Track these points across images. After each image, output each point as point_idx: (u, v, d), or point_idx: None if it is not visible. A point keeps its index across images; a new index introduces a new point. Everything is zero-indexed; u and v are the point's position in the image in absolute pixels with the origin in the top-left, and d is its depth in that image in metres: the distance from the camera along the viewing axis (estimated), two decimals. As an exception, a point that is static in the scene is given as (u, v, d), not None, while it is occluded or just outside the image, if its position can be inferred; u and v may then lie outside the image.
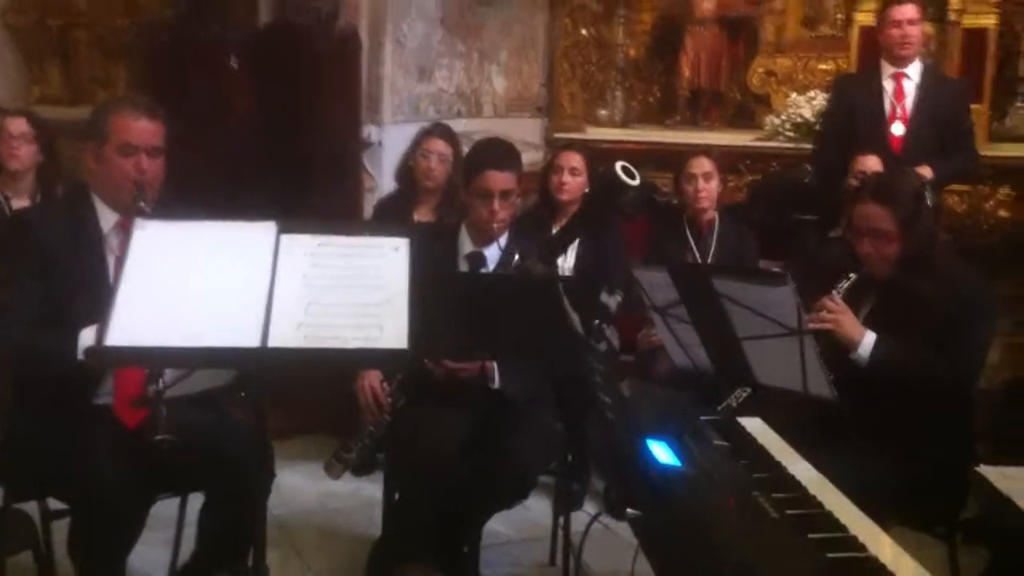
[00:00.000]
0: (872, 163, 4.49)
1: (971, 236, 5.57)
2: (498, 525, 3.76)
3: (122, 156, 2.94)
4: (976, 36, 5.62)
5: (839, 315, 2.98)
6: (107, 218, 3.00)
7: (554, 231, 4.37)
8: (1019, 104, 5.78)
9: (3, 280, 2.90)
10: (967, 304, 2.97)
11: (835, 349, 2.96)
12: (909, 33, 4.72)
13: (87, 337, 2.74)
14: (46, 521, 2.98)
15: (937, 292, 2.96)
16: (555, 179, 4.47)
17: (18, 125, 4.51)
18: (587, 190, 4.44)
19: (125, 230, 2.94)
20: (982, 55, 5.64)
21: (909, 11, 4.73)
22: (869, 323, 3.05)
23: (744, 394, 2.96)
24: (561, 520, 3.65)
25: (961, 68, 5.62)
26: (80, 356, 2.74)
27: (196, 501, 3.13)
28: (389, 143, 5.27)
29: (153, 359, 2.41)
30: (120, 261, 2.33)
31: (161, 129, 3.03)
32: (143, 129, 2.97)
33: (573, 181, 4.45)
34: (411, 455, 3.29)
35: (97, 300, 2.82)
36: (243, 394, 2.78)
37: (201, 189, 4.75)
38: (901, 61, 4.77)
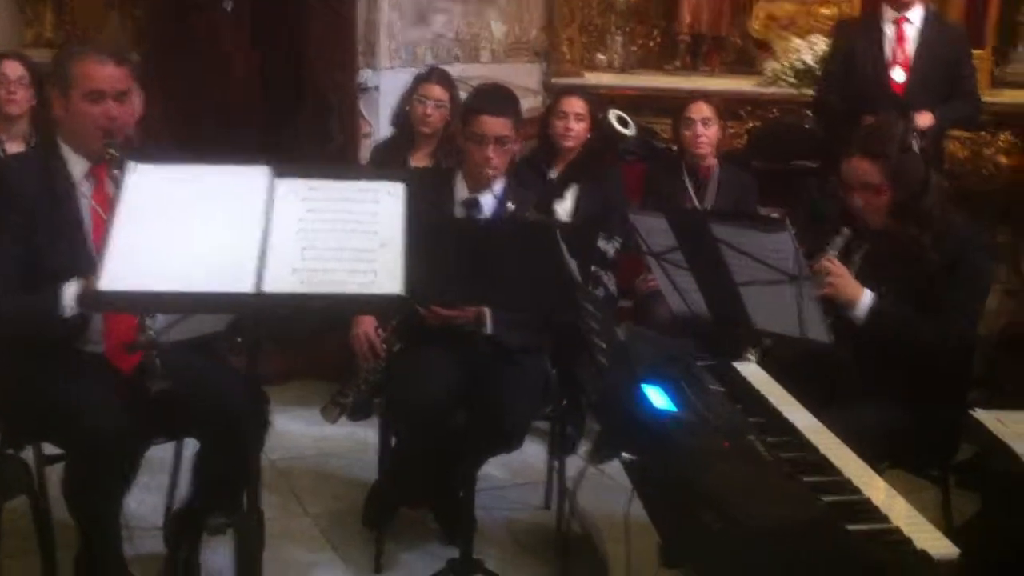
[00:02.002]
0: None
1: (972, 182, 5.55)
2: (493, 469, 3.78)
3: (90, 103, 2.87)
4: (979, -19, 5.57)
5: (838, 277, 2.98)
6: (77, 166, 2.94)
7: (551, 176, 4.35)
8: (1021, 50, 5.72)
9: None
10: (960, 253, 2.97)
11: (831, 305, 2.96)
12: None
13: (69, 293, 2.73)
14: (41, 466, 2.99)
15: (930, 240, 2.96)
16: (559, 125, 4.42)
17: (15, 68, 4.45)
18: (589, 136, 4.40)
19: (97, 177, 2.93)
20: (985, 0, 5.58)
21: None
22: (863, 271, 3.05)
23: (757, 352, 2.96)
24: (556, 464, 3.68)
25: (964, 13, 5.57)
26: (64, 313, 2.73)
27: (192, 446, 3.13)
28: (386, 88, 5.21)
29: (147, 304, 2.40)
30: (111, 206, 2.30)
31: (127, 72, 2.95)
32: (109, 74, 2.89)
33: (578, 127, 4.39)
34: (406, 401, 3.30)
35: (74, 250, 2.82)
36: (238, 339, 2.78)
37: (196, 134, 4.74)
38: (902, 6, 4.71)
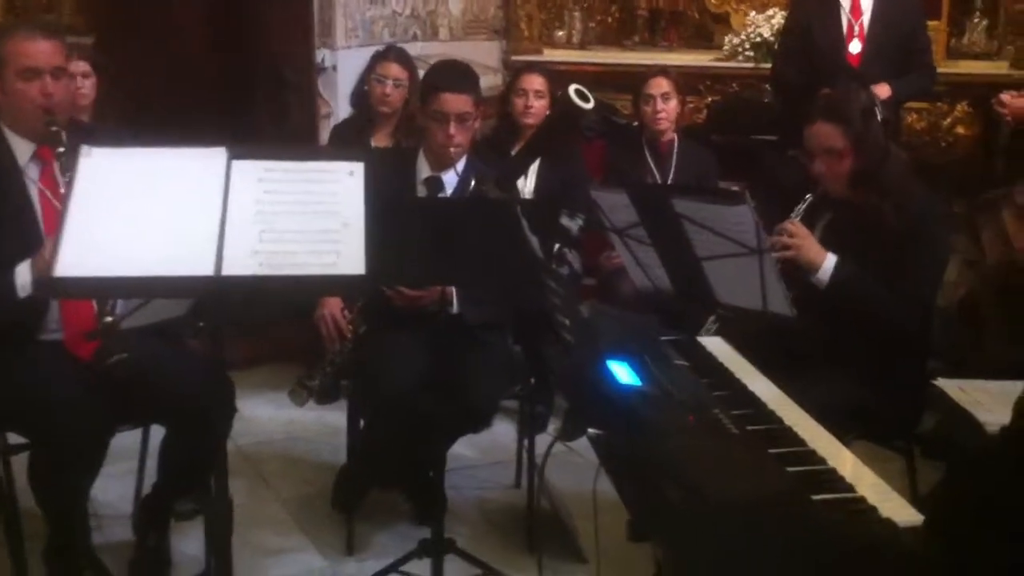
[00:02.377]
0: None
1: (929, 153, 5.61)
2: (463, 449, 3.78)
3: (25, 81, 2.82)
4: (934, -50, 5.60)
5: (800, 240, 2.99)
6: (22, 149, 2.89)
7: (513, 153, 4.33)
8: (976, 20, 5.77)
9: None
10: (920, 221, 2.99)
11: (794, 271, 2.97)
12: None
13: (23, 273, 2.69)
14: (6, 455, 2.96)
15: (891, 208, 2.98)
16: (519, 103, 4.41)
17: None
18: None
19: (44, 160, 2.88)
20: (940, -30, 5.62)
21: None
22: (825, 239, 3.07)
23: (715, 324, 2.97)
24: (525, 443, 3.69)
25: (919, -16, 5.60)
26: (19, 294, 2.69)
27: (158, 432, 3.11)
28: (343, 67, 5.17)
29: (105, 290, 2.38)
30: (65, 191, 2.27)
31: (61, 47, 2.90)
32: (41, 50, 2.83)
33: (538, 104, 4.39)
34: (373, 382, 3.29)
35: (25, 234, 2.78)
36: (200, 324, 2.76)
37: (146, 113, 4.68)
38: None
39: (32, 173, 2.89)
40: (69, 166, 2.39)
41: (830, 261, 2.98)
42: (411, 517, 3.52)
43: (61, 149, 2.77)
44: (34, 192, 2.87)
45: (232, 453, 2.97)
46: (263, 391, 4.43)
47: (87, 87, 4.53)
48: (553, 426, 4.22)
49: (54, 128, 2.80)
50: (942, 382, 2.62)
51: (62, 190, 2.74)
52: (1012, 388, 2.30)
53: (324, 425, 4.23)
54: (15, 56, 2.82)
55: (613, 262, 4.14)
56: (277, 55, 5.08)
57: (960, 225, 5.48)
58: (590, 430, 2.13)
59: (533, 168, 4.11)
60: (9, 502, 2.94)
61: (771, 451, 2.04)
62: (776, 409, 2.25)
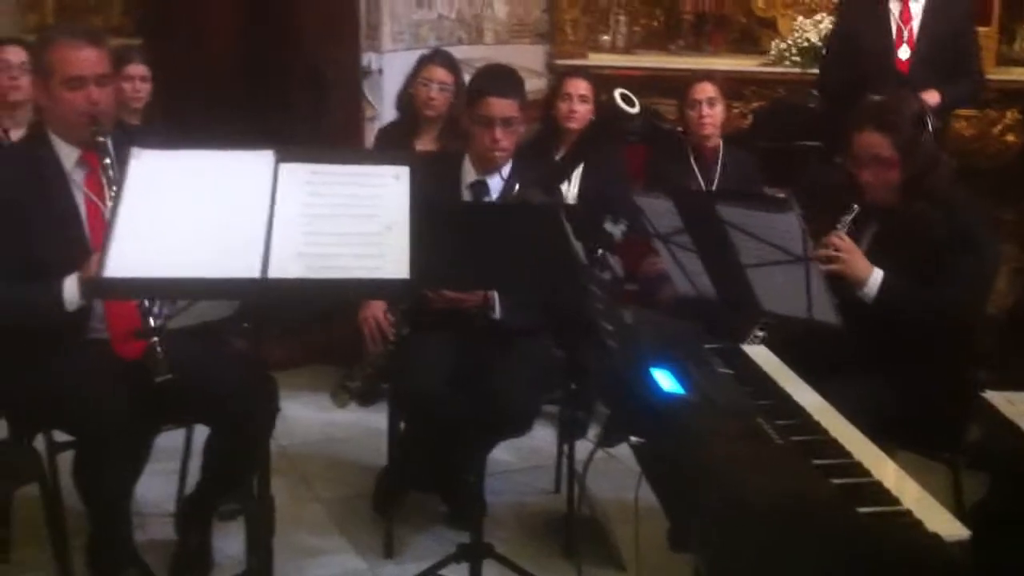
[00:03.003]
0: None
1: (978, 160, 5.53)
2: (503, 454, 3.79)
3: (70, 90, 2.83)
4: (985, -44, 5.53)
5: (847, 254, 2.96)
6: (68, 155, 2.91)
7: (557, 157, 4.33)
8: (1028, 26, 5.70)
9: None
10: (969, 230, 2.95)
11: (839, 280, 2.94)
12: None
13: (70, 288, 2.71)
14: (52, 454, 2.99)
15: (939, 217, 2.94)
16: (563, 107, 4.40)
17: (17, 54, 4.43)
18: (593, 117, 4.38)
19: (89, 165, 2.91)
20: (992, -24, 5.55)
21: None
22: (871, 249, 3.03)
23: (762, 333, 2.94)
24: (565, 448, 3.68)
25: (970, -10, 5.53)
26: (67, 308, 2.72)
27: (202, 432, 3.14)
28: (389, 71, 5.19)
29: (152, 291, 2.41)
30: (115, 193, 2.29)
31: (105, 54, 2.91)
32: (86, 58, 2.85)
33: (582, 108, 4.38)
34: (411, 386, 3.30)
35: (70, 239, 2.81)
36: (245, 325, 2.78)
37: (193, 117, 4.72)
38: None
39: (77, 178, 2.91)
40: (116, 174, 2.41)
41: (877, 276, 2.95)
42: (450, 521, 3.53)
43: (108, 160, 2.80)
44: (79, 197, 2.90)
45: (274, 454, 3.00)
46: (305, 392, 4.46)
47: (144, 91, 4.61)
48: (593, 432, 4.21)
49: (100, 138, 2.82)
50: (990, 394, 2.57)
51: (107, 195, 2.77)
52: (1062, 401, 2.28)
53: (365, 427, 4.24)
54: (60, 64, 2.84)
55: (655, 268, 4.12)
56: (321, 58, 5.11)
57: (1009, 233, 5.43)
58: (632, 437, 2.12)
59: (576, 172, 4.11)
60: (54, 499, 2.97)
61: (815, 462, 2.02)
62: (820, 420, 2.22)
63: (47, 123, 2.95)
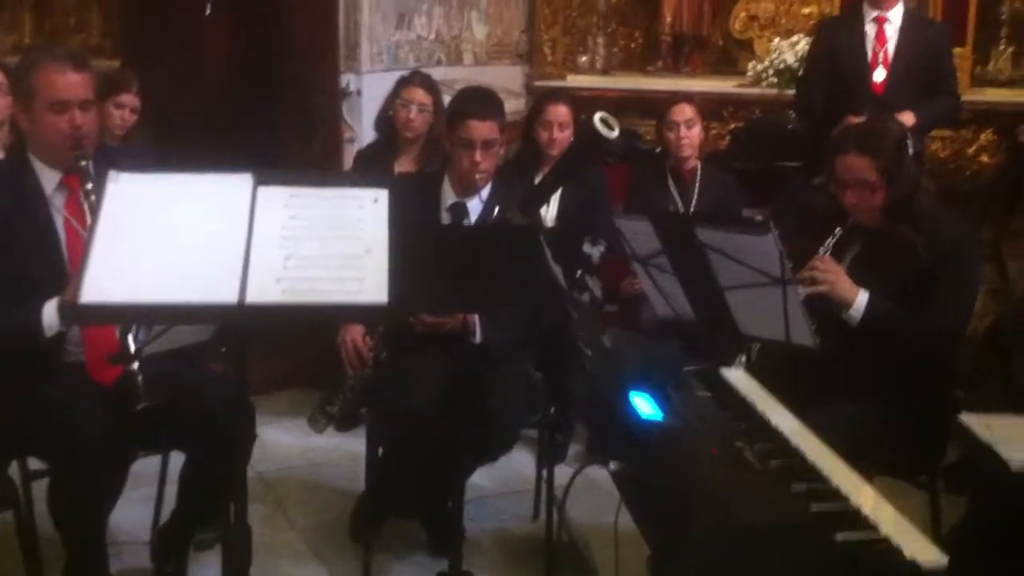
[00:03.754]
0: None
1: (954, 181, 5.57)
2: (482, 479, 3.77)
3: (54, 114, 2.80)
4: (959, -22, 5.59)
5: (832, 276, 2.97)
6: (48, 177, 2.89)
7: (537, 179, 4.33)
8: (1002, 48, 5.74)
9: None
10: (953, 251, 2.97)
11: (821, 301, 2.95)
12: None
13: (49, 313, 2.68)
14: (27, 481, 2.96)
15: (921, 239, 2.96)
16: (544, 134, 4.38)
17: (-5, 76, 4.41)
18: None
19: (70, 188, 2.89)
20: (965, -2, 5.61)
21: None
22: (854, 270, 3.04)
23: (743, 359, 2.95)
24: (544, 474, 3.67)
25: (944, 11, 5.60)
26: (45, 333, 2.69)
27: (178, 459, 3.11)
28: (368, 92, 5.19)
29: (129, 316, 2.39)
30: (92, 217, 2.28)
31: (89, 79, 2.88)
32: (72, 83, 2.82)
33: (562, 135, 4.36)
34: (393, 409, 3.28)
35: (50, 263, 2.78)
36: (223, 349, 2.76)
37: (177, 140, 4.72)
38: (875, 4, 4.72)
39: (57, 201, 2.89)
40: (97, 197, 2.39)
41: (863, 298, 2.96)
42: (429, 548, 3.50)
43: (89, 185, 2.78)
44: (59, 221, 2.88)
45: (251, 480, 2.98)
46: (282, 417, 4.43)
47: (130, 121, 4.59)
48: (573, 452, 4.20)
49: (83, 162, 2.80)
50: (966, 418, 2.59)
51: (88, 219, 2.75)
52: (1038, 423, 2.29)
53: (343, 452, 4.22)
54: (45, 88, 2.82)
55: (635, 288, 4.13)
56: (302, 79, 5.11)
57: (986, 254, 5.46)
58: (611, 463, 2.12)
59: (556, 193, 4.11)
60: (28, 528, 2.94)
61: (794, 486, 2.02)
62: (799, 443, 2.22)
63: (28, 145, 2.93)
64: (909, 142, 3.04)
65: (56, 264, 2.81)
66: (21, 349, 2.76)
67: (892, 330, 2.94)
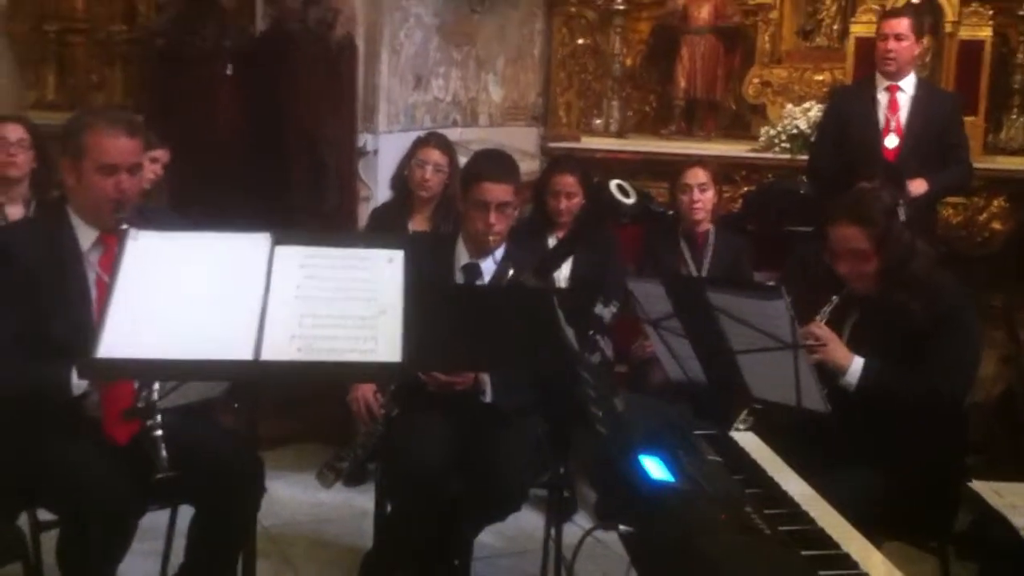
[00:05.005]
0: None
1: (966, 248, 5.59)
2: (489, 537, 3.76)
3: (101, 175, 2.85)
4: (972, 48, 5.65)
5: (826, 343, 2.99)
6: (86, 235, 2.93)
7: (550, 241, 4.37)
8: (1014, 116, 5.79)
9: None
10: (951, 315, 2.99)
11: (823, 372, 2.96)
12: (892, 48, 4.73)
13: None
14: (36, 532, 2.96)
15: (919, 305, 2.98)
16: (552, 203, 4.42)
17: (16, 131, 4.47)
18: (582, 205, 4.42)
19: (106, 245, 2.92)
20: (978, 67, 5.66)
21: (896, 25, 4.76)
22: (853, 337, 3.07)
23: (750, 419, 2.96)
24: (553, 532, 3.65)
25: (957, 79, 5.64)
26: (73, 392, 2.71)
27: (186, 512, 3.11)
28: (385, 152, 5.25)
29: (145, 372, 2.41)
30: (111, 274, 2.31)
31: (140, 144, 2.95)
32: (123, 147, 2.87)
33: (570, 203, 4.41)
34: (403, 466, 3.29)
35: (80, 320, 2.79)
36: (236, 405, 2.78)
37: (194, 197, 4.77)
38: (888, 75, 4.78)
39: (92, 258, 2.92)
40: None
41: (857, 364, 2.98)
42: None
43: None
44: (92, 278, 2.90)
45: (258, 535, 2.97)
46: (290, 471, 4.43)
47: (157, 173, 4.67)
48: (581, 517, 4.18)
49: (124, 226, 2.83)
50: (977, 485, 2.59)
51: None
52: (1050, 493, 2.29)
53: (351, 508, 4.21)
54: (97, 150, 2.86)
55: (646, 351, 4.14)
56: (319, 138, 5.17)
57: (997, 320, 5.46)
58: (621, 526, 2.12)
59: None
60: (37, 578, 2.94)
61: (803, 552, 2.02)
62: (809, 509, 2.23)
63: (69, 202, 2.96)
64: (901, 209, 3.08)
65: (85, 321, 2.81)
66: (49, 407, 2.77)
67: (889, 395, 2.95)
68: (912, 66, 4.85)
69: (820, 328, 3.03)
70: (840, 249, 3.06)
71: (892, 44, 4.73)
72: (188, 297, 2.27)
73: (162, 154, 4.67)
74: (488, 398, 3.33)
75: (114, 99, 6.38)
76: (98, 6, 6.60)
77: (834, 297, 3.09)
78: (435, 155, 4.47)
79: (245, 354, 2.17)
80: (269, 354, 2.18)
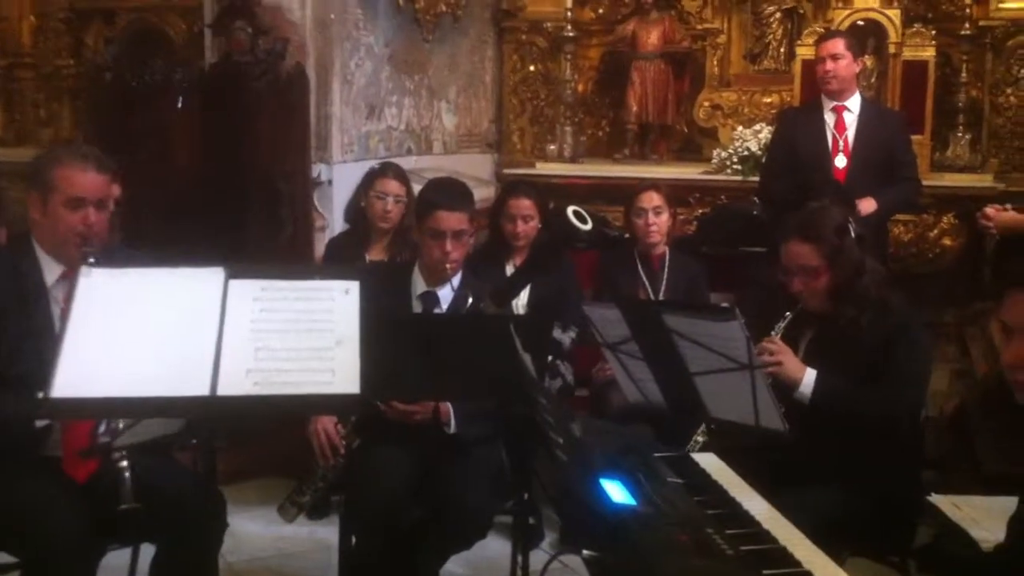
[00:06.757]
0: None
1: (916, 264, 5.67)
2: (456, 566, 3.73)
3: (69, 210, 2.86)
4: (916, 68, 5.77)
5: (780, 356, 3.03)
6: (51, 269, 2.92)
7: (507, 268, 4.38)
8: (959, 134, 5.90)
9: None
10: (899, 330, 3.04)
11: (778, 388, 2.99)
12: (830, 68, 4.81)
13: None
14: (-5, 575, 2.92)
15: (869, 320, 3.03)
16: (509, 227, 4.44)
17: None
18: (539, 229, 4.44)
19: (70, 281, 2.90)
20: (923, 86, 5.77)
21: (832, 47, 4.83)
22: (808, 354, 3.11)
23: (703, 439, 2.98)
24: (519, 560, 3.64)
25: (902, 99, 5.75)
26: (37, 422, 2.69)
27: (148, 551, 3.07)
28: (339, 181, 5.26)
29: (101, 410, 2.39)
30: (65, 311, 2.29)
31: (109, 181, 2.95)
32: (91, 182, 2.89)
33: (527, 227, 4.43)
34: (364, 498, 3.27)
35: (44, 354, 2.76)
36: (194, 441, 2.75)
37: (147, 231, 4.73)
38: (831, 95, 4.86)
39: (57, 293, 2.90)
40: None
41: (810, 376, 3.02)
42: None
43: None
44: (55, 312, 2.87)
45: (222, 570, 2.95)
46: (253, 506, 4.37)
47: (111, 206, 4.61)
48: (548, 541, 4.17)
49: (91, 260, 2.81)
50: (936, 498, 2.62)
51: None
52: (1006, 504, 2.31)
53: (315, 541, 4.17)
54: (64, 184, 2.86)
55: (605, 374, 4.15)
56: (272, 169, 5.15)
57: (949, 335, 5.55)
58: (584, 551, 2.12)
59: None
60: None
61: (765, 572, 2.03)
62: (771, 528, 2.24)
63: (34, 236, 2.95)
64: (851, 226, 3.12)
65: (49, 356, 2.78)
66: (10, 440, 2.74)
67: (843, 407, 2.99)
68: (855, 85, 4.92)
69: (773, 342, 3.07)
70: (792, 266, 3.11)
71: (830, 65, 4.81)
72: (142, 334, 2.25)
73: (114, 189, 4.60)
74: (452, 429, 3.32)
75: (62, 134, 6.34)
76: (44, 41, 6.57)
77: (787, 313, 3.13)
78: (394, 186, 4.48)
79: (201, 390, 2.16)
80: (226, 389, 2.17)
